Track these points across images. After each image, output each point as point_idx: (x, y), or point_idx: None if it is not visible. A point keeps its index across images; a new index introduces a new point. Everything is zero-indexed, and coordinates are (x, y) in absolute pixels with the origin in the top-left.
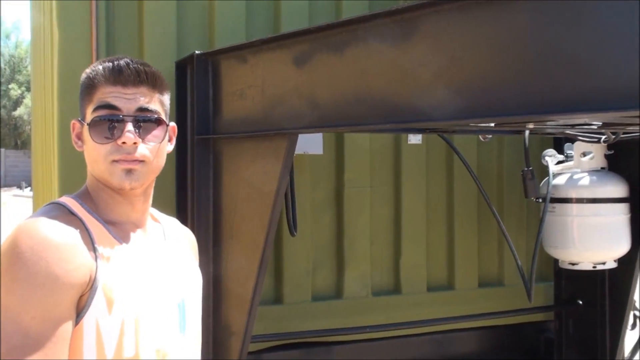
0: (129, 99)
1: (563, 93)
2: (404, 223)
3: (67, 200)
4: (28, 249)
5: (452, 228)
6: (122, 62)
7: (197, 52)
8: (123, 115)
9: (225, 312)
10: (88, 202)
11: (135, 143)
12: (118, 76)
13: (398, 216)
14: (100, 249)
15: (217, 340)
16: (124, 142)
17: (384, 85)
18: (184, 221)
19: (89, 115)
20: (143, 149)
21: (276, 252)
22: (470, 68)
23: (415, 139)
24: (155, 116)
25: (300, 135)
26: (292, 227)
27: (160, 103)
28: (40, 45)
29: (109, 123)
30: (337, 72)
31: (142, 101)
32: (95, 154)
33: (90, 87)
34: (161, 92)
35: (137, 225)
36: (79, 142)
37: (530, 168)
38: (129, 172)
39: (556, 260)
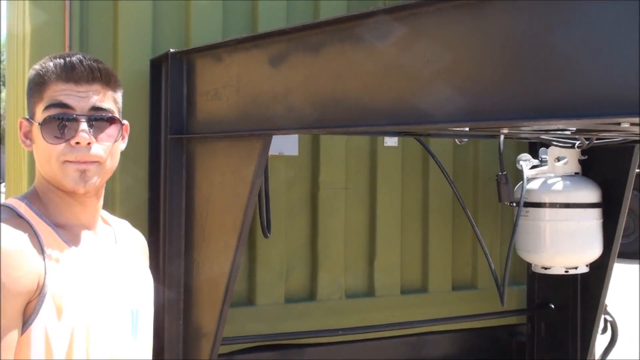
0: (82, 97)
1: (542, 99)
2: (378, 225)
3: (15, 203)
4: None
5: (427, 231)
6: (74, 59)
7: (171, 50)
8: (76, 115)
9: (196, 314)
10: (36, 204)
11: (89, 143)
12: (70, 73)
13: (373, 218)
14: (49, 253)
15: (188, 342)
16: (77, 142)
17: (359, 88)
18: (156, 221)
19: (40, 114)
20: (97, 149)
21: (249, 253)
22: (451, 71)
23: (391, 141)
24: (110, 115)
25: (275, 136)
26: (266, 229)
27: (114, 101)
28: (14, 41)
29: (61, 122)
30: (313, 73)
31: (96, 100)
32: (47, 154)
33: (40, 84)
34: (114, 89)
35: (88, 227)
36: (27, 142)
37: (505, 173)
38: (83, 172)
39: (529, 264)
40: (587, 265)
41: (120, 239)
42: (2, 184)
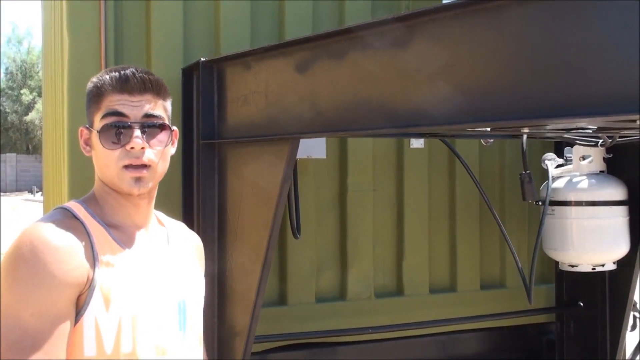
0: (135, 106)
1: (555, 98)
2: (406, 225)
3: (72, 205)
4: (28, 251)
5: (454, 230)
6: (128, 72)
7: (202, 59)
8: (130, 122)
9: (229, 312)
10: (93, 206)
11: (143, 148)
12: (125, 84)
13: (401, 219)
14: (99, 250)
15: (222, 340)
16: (132, 147)
17: (382, 91)
18: (190, 223)
19: (98, 123)
20: (150, 153)
21: (280, 254)
22: (467, 73)
23: (417, 142)
24: (161, 122)
25: (303, 140)
26: (295, 230)
27: (164, 109)
28: (51, 51)
29: (117, 129)
30: (338, 78)
31: (148, 108)
32: (106, 159)
33: (97, 95)
34: (164, 98)
35: (140, 226)
36: (87, 148)
37: (528, 171)
38: (138, 179)
39: (557, 263)
40: (614, 263)
41: (173, 240)
42: (39, 193)
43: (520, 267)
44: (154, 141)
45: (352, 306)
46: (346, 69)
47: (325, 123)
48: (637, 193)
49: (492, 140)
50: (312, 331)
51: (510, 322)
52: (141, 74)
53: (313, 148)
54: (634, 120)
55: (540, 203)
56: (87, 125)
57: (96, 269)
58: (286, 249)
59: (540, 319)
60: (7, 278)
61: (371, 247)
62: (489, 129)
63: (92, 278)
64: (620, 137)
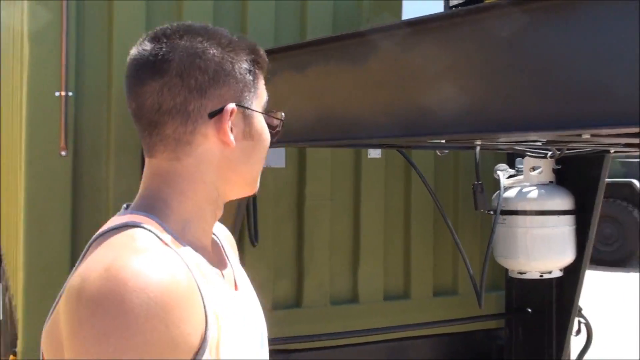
0: None
1: (515, 113)
2: (362, 234)
3: (148, 222)
4: (139, 306)
5: (409, 239)
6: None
7: None
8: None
9: None
10: (171, 223)
11: None
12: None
13: (357, 228)
14: (206, 296)
15: None
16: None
17: (341, 104)
18: None
19: (261, 109)
20: None
21: None
22: (418, 88)
23: (375, 153)
24: None
25: None
26: (253, 237)
27: None
28: (9, 56)
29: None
30: (299, 91)
31: None
32: (264, 154)
33: (254, 73)
34: None
35: (209, 243)
36: (236, 136)
37: (480, 182)
38: None
39: (507, 270)
40: (561, 270)
41: (230, 255)
42: None
43: (472, 273)
44: None
45: (308, 313)
46: (307, 81)
47: (286, 133)
48: (583, 203)
49: (446, 150)
50: (269, 338)
51: (461, 328)
52: None
53: (272, 157)
54: (579, 134)
55: (492, 212)
56: (243, 104)
57: (208, 321)
58: (244, 257)
59: (491, 324)
60: (111, 341)
61: (328, 256)
62: (443, 141)
63: (204, 334)
64: (568, 149)
